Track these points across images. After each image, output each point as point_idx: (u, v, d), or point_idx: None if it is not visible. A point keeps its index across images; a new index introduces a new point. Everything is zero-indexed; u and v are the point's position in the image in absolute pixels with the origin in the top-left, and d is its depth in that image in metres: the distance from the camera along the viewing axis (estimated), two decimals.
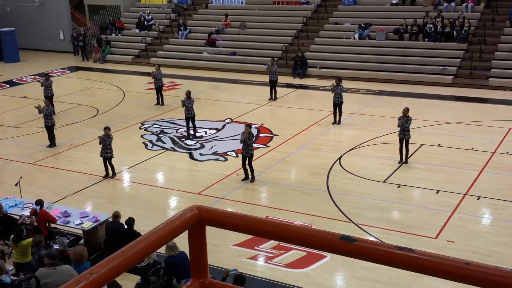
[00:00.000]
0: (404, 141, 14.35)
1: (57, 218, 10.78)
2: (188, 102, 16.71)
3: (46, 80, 19.59)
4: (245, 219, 1.73)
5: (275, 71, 20.77)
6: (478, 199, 12.39)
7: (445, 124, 17.47)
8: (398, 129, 14.37)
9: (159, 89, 20.46)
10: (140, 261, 1.66)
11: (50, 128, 16.38)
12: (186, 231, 1.82)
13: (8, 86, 25.01)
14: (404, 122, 14.14)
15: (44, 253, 8.48)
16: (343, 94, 17.72)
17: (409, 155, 14.54)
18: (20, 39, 30.91)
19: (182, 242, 8.15)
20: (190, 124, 16.99)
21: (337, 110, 17.59)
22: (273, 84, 20.82)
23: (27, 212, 10.90)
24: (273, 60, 21.34)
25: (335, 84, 17.47)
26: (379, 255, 1.55)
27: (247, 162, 13.61)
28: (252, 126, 17.90)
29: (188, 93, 16.92)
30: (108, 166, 14.20)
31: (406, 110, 14.24)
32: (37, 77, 26.37)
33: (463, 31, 23.25)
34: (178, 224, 1.74)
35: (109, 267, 1.62)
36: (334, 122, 17.67)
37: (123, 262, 1.59)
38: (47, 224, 10.67)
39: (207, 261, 1.92)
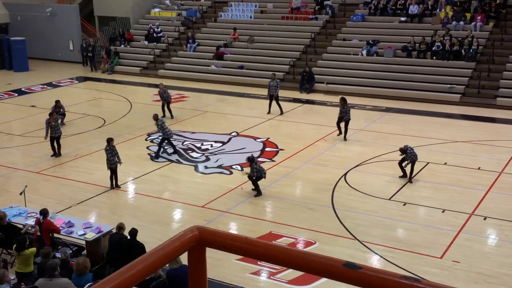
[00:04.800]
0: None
1: (60, 228, 10.73)
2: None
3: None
4: (247, 241, 1.69)
5: (275, 86, 20.63)
6: (485, 219, 12.27)
7: (452, 143, 17.38)
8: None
9: (167, 105, 20.47)
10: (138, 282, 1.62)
11: (53, 139, 16.42)
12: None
13: (16, 94, 25.15)
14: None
15: (45, 264, 8.44)
16: (352, 110, 17.72)
17: (413, 175, 14.43)
18: (29, 49, 31.13)
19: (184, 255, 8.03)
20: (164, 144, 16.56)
21: (342, 123, 17.52)
22: (272, 99, 20.75)
23: (30, 221, 10.88)
24: (274, 76, 21.24)
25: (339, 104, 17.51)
26: (384, 284, 1.50)
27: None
28: (258, 139, 17.94)
29: (156, 116, 16.51)
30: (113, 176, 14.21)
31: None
32: (45, 86, 26.54)
33: (471, 50, 23.23)
34: (178, 245, 1.70)
35: None
36: (340, 133, 17.61)
37: (121, 284, 1.55)
38: (50, 234, 10.63)
39: (206, 283, 1.88)
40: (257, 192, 13.64)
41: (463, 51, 23.42)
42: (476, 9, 25.35)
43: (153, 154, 16.47)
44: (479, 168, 15.20)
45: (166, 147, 16.90)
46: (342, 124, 17.53)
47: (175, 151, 16.61)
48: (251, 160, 13.58)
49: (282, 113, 20.79)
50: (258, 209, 13.14)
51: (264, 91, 21.97)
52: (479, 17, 24.84)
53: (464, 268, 10.30)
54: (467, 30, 24.49)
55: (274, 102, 20.79)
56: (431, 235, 11.60)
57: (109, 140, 14.15)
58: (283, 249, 1.67)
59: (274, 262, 1.69)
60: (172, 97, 21.23)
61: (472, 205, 12.91)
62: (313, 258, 1.63)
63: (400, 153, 14.29)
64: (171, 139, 16.62)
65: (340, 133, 17.64)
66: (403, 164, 14.29)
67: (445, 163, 15.58)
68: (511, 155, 16.12)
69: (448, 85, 22.55)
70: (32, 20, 33.03)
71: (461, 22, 25.05)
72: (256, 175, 13.52)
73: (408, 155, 14.09)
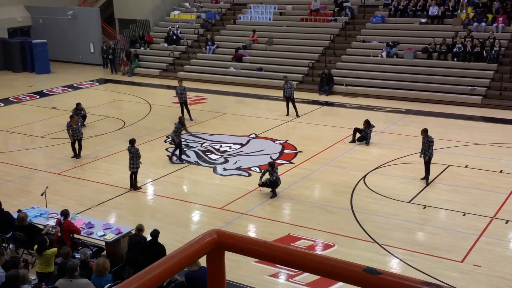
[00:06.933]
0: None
1: (80, 228, 10.84)
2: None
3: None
4: (266, 246, 1.69)
5: (288, 88, 20.54)
6: (506, 223, 12.08)
7: (473, 145, 17.15)
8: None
9: (184, 104, 20.52)
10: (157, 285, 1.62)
11: (74, 141, 16.64)
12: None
13: (38, 96, 25.50)
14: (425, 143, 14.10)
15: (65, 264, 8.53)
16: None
17: (430, 177, 14.25)
18: (51, 51, 31.56)
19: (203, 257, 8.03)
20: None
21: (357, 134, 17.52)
22: (289, 101, 20.71)
23: (51, 222, 11.01)
24: (286, 78, 21.13)
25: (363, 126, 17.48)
26: None
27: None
28: (277, 141, 17.92)
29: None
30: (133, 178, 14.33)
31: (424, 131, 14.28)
32: (66, 89, 26.87)
33: (493, 52, 22.91)
34: (197, 248, 1.70)
35: None
36: (352, 141, 17.49)
37: (141, 286, 1.55)
38: (70, 235, 10.75)
39: (225, 286, 1.88)
40: (273, 193, 13.62)
41: (484, 52, 23.11)
42: (498, 10, 25.00)
43: (176, 157, 16.51)
44: (501, 171, 14.98)
45: (185, 149, 16.99)
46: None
47: (180, 156, 16.44)
48: (272, 165, 13.63)
49: (298, 115, 20.72)
50: (276, 211, 13.12)
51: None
52: (501, 18, 24.49)
53: (486, 273, 10.15)
54: (488, 32, 24.16)
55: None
56: (451, 239, 11.45)
57: (133, 141, 14.27)
58: (303, 254, 1.66)
59: (294, 266, 1.68)
60: (190, 99, 21.28)
61: (494, 208, 12.72)
62: (333, 263, 1.62)
63: (422, 134, 14.20)
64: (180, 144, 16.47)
65: (353, 140, 17.53)
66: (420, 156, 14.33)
67: (466, 166, 15.38)
68: None
69: (470, 87, 22.27)
70: (54, 23, 33.49)
71: (483, 23, 24.72)
72: (275, 179, 13.54)
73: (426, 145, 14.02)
